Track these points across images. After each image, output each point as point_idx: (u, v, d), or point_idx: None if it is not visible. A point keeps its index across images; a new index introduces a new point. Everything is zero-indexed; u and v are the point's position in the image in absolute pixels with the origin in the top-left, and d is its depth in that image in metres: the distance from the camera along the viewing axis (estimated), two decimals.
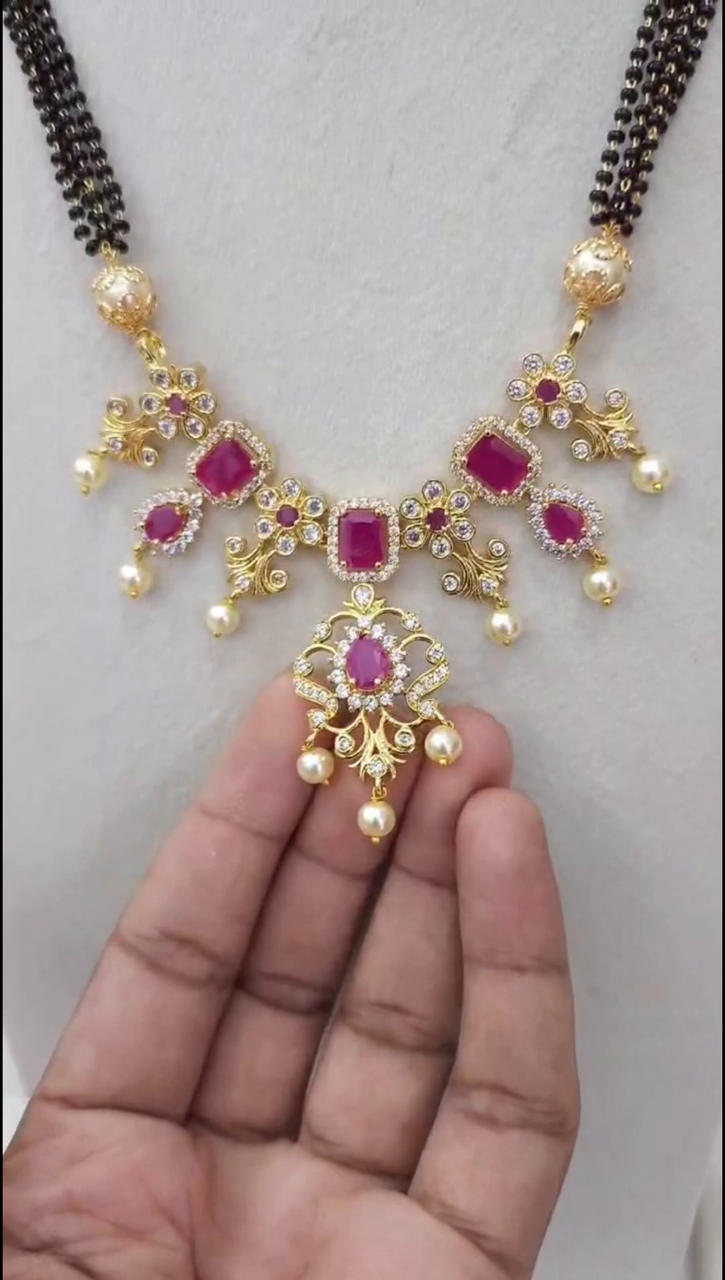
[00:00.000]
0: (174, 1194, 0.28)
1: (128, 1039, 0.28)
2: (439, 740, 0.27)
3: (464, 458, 0.28)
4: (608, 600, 0.29)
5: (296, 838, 0.29)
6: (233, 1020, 0.30)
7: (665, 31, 0.27)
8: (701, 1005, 0.34)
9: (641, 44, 0.27)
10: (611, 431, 0.28)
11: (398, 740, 0.28)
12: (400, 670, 0.28)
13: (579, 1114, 0.28)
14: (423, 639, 0.28)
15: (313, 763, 0.28)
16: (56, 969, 0.36)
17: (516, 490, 0.28)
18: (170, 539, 0.29)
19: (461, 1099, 0.27)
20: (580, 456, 0.28)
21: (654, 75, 0.27)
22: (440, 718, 0.28)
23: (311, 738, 0.28)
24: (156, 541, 0.29)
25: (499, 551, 0.29)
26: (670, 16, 0.27)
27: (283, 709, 0.28)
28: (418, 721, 0.28)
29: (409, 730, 0.28)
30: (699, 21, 0.27)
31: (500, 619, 0.29)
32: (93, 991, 0.29)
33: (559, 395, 0.28)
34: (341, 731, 0.28)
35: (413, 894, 0.29)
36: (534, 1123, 0.27)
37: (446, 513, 0.28)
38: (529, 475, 0.28)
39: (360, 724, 0.28)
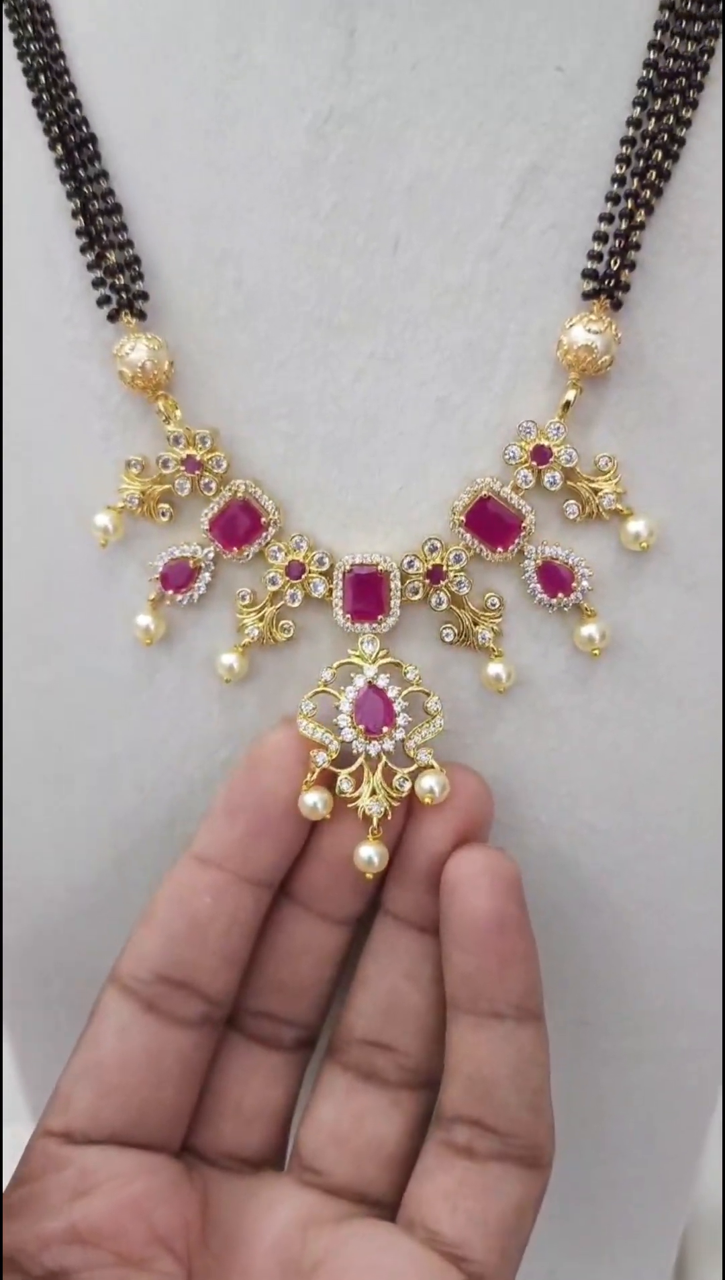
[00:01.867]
0: (172, 1225, 0.28)
1: (127, 1078, 0.28)
2: (428, 782, 0.28)
3: (462, 517, 0.29)
4: (597, 651, 0.30)
5: (286, 884, 0.30)
6: (222, 1056, 0.30)
7: (653, 121, 0.28)
8: (688, 1035, 0.35)
9: (630, 132, 0.28)
10: (601, 493, 0.29)
11: (395, 784, 0.29)
12: (402, 719, 0.29)
13: (554, 1148, 0.28)
14: (422, 692, 0.29)
15: (314, 800, 0.29)
16: (64, 998, 0.36)
17: (511, 548, 0.29)
18: (183, 590, 0.30)
19: (444, 1132, 0.28)
20: (571, 516, 0.29)
21: (642, 162, 0.28)
22: (434, 764, 0.29)
23: (313, 776, 0.29)
24: (170, 592, 0.30)
25: (494, 605, 0.30)
26: (657, 108, 0.28)
27: (278, 760, 0.29)
28: (414, 768, 0.29)
29: (407, 776, 0.29)
30: (684, 112, 0.28)
31: (495, 668, 0.30)
32: (92, 1032, 0.29)
33: (552, 459, 0.29)
34: (343, 773, 0.29)
35: (398, 938, 0.29)
36: (511, 1156, 0.27)
37: (445, 568, 0.29)
38: (523, 534, 0.29)
39: (361, 766, 0.29)
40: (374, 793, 0.29)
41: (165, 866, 0.32)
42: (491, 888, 0.27)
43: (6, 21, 0.31)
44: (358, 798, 0.29)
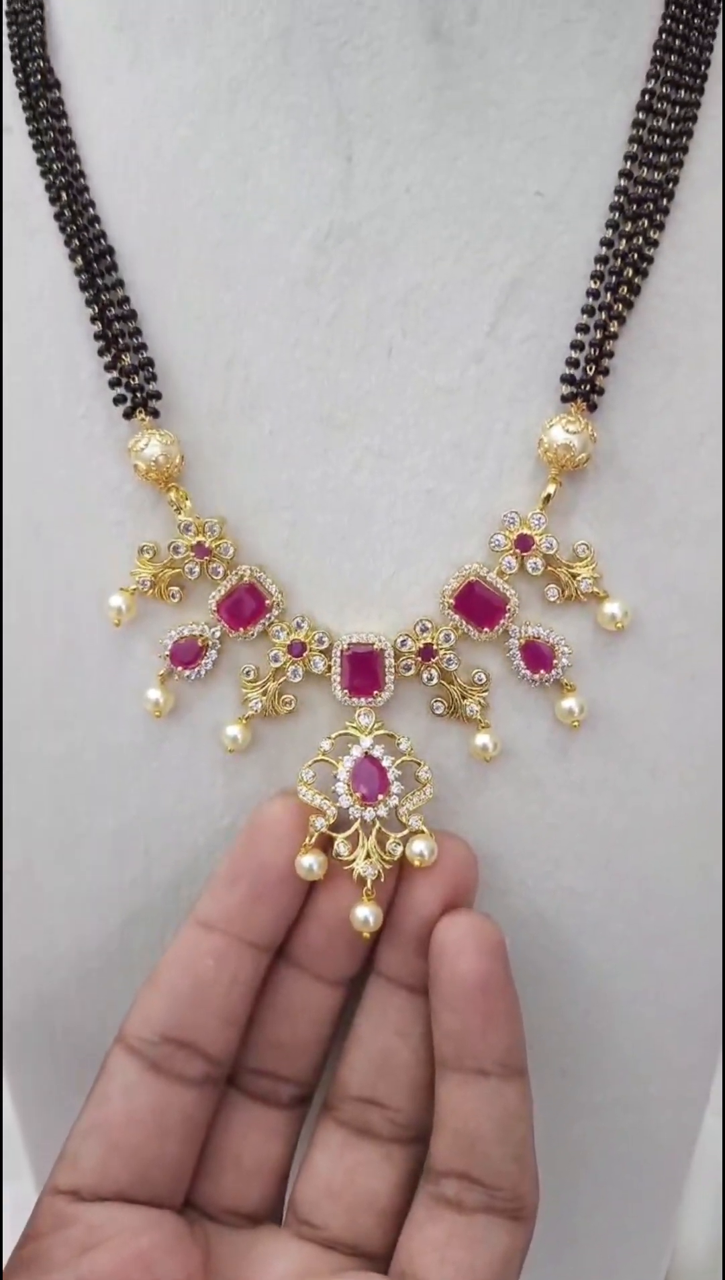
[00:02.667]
0: (176, 1279, 0.28)
1: (133, 1136, 0.29)
2: (418, 846, 0.30)
3: (451, 599, 0.30)
4: (576, 723, 0.31)
5: (284, 947, 0.30)
6: (223, 1113, 0.31)
7: (624, 241, 0.30)
8: (664, 1085, 0.36)
9: (604, 251, 0.30)
10: (579, 578, 0.30)
11: (388, 848, 0.30)
12: (396, 787, 0.31)
13: (538, 1199, 0.29)
14: (414, 762, 0.31)
15: (310, 862, 0.30)
16: (70, 1058, 0.37)
17: (497, 628, 0.31)
18: (192, 666, 0.31)
19: (433, 1185, 0.28)
20: (552, 599, 0.31)
21: (614, 277, 0.30)
22: (424, 830, 0.30)
23: (311, 840, 0.30)
24: (179, 668, 0.31)
25: (481, 680, 0.31)
26: (628, 229, 0.30)
27: (275, 830, 0.30)
28: (405, 833, 0.30)
29: (399, 840, 0.30)
30: (652, 233, 0.31)
31: (482, 738, 0.31)
32: (99, 1091, 0.29)
33: (533, 547, 0.30)
34: (340, 837, 0.30)
35: (390, 998, 0.30)
36: (497, 1208, 0.28)
37: (435, 647, 0.31)
38: (507, 615, 0.31)
39: (356, 831, 0.30)
40: (368, 856, 0.30)
41: (170, 928, 0.33)
42: (477, 951, 0.28)
43: (31, 143, 0.33)
44: (353, 861, 0.30)
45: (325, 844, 0.30)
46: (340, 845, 0.30)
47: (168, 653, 0.31)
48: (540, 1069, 0.32)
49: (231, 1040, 0.30)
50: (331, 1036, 0.31)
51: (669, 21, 0.31)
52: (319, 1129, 0.31)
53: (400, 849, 0.30)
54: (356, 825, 0.30)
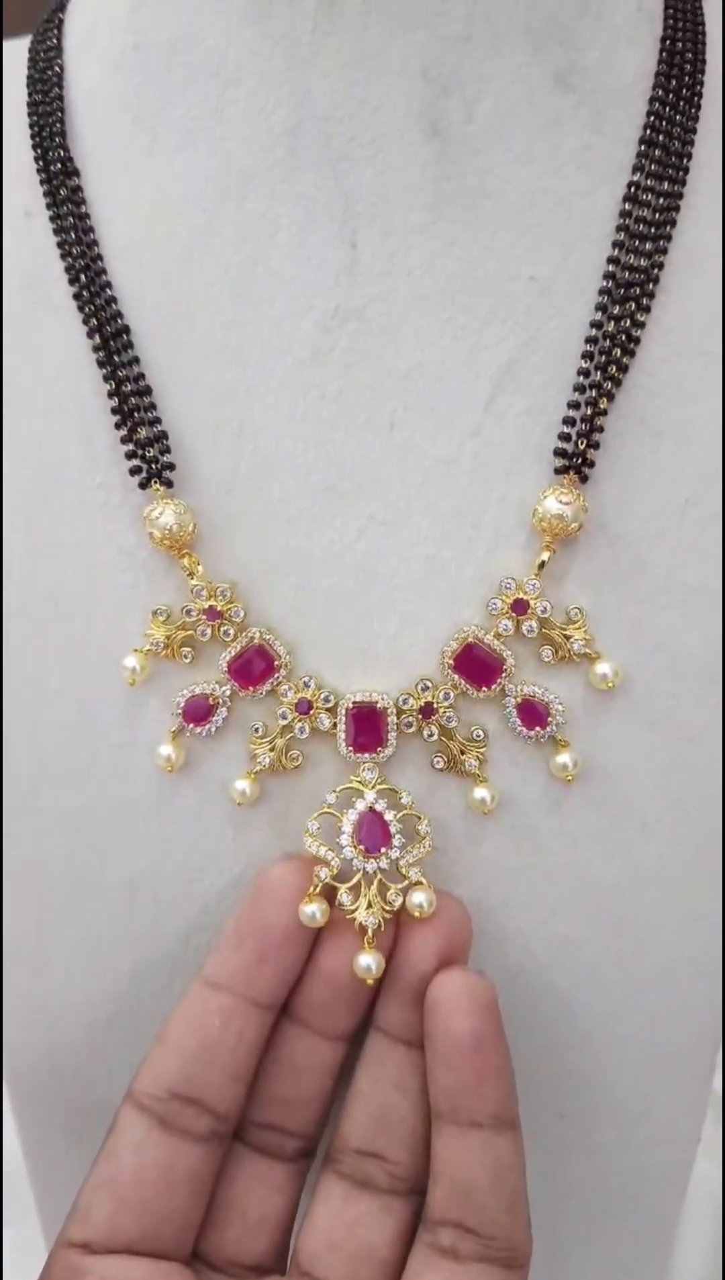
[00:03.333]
0: None
1: (142, 1191, 0.29)
2: (418, 898, 0.30)
3: (451, 660, 0.31)
4: (570, 777, 0.32)
5: (288, 1005, 0.31)
6: (228, 1166, 0.31)
7: (612, 323, 0.32)
8: (656, 1127, 0.37)
9: (593, 333, 0.32)
10: (572, 640, 0.31)
11: (389, 899, 0.31)
12: (397, 840, 0.32)
13: (531, 1247, 0.30)
14: (415, 815, 0.32)
15: (312, 910, 0.31)
16: (80, 1108, 0.37)
17: (494, 687, 0.32)
18: (203, 723, 0.32)
19: (431, 1235, 0.29)
20: (546, 660, 0.32)
21: (604, 357, 0.32)
22: (423, 881, 0.31)
23: (316, 890, 0.31)
24: (191, 725, 0.32)
25: (479, 737, 0.32)
26: (616, 312, 0.32)
27: (279, 891, 0.30)
28: (405, 884, 0.31)
29: (400, 891, 0.31)
30: (639, 316, 0.32)
31: (480, 792, 0.32)
32: (109, 1147, 0.30)
33: (529, 611, 0.31)
34: (343, 888, 0.31)
35: (388, 1053, 0.31)
36: (492, 1257, 0.28)
37: (436, 705, 0.32)
38: (504, 675, 0.32)
39: (358, 882, 0.31)
40: (370, 906, 0.31)
41: (179, 977, 0.34)
42: (470, 1008, 0.29)
43: (51, 227, 0.35)
44: (356, 911, 0.31)
45: (329, 895, 0.31)
46: (343, 895, 0.31)
47: (180, 710, 0.32)
48: (539, 1112, 0.34)
49: (238, 1096, 0.30)
50: (333, 1091, 0.32)
51: (652, 118, 0.33)
52: (321, 1181, 0.31)
53: (400, 900, 0.31)
54: (359, 876, 0.31)
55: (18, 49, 0.40)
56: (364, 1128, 0.31)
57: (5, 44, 0.42)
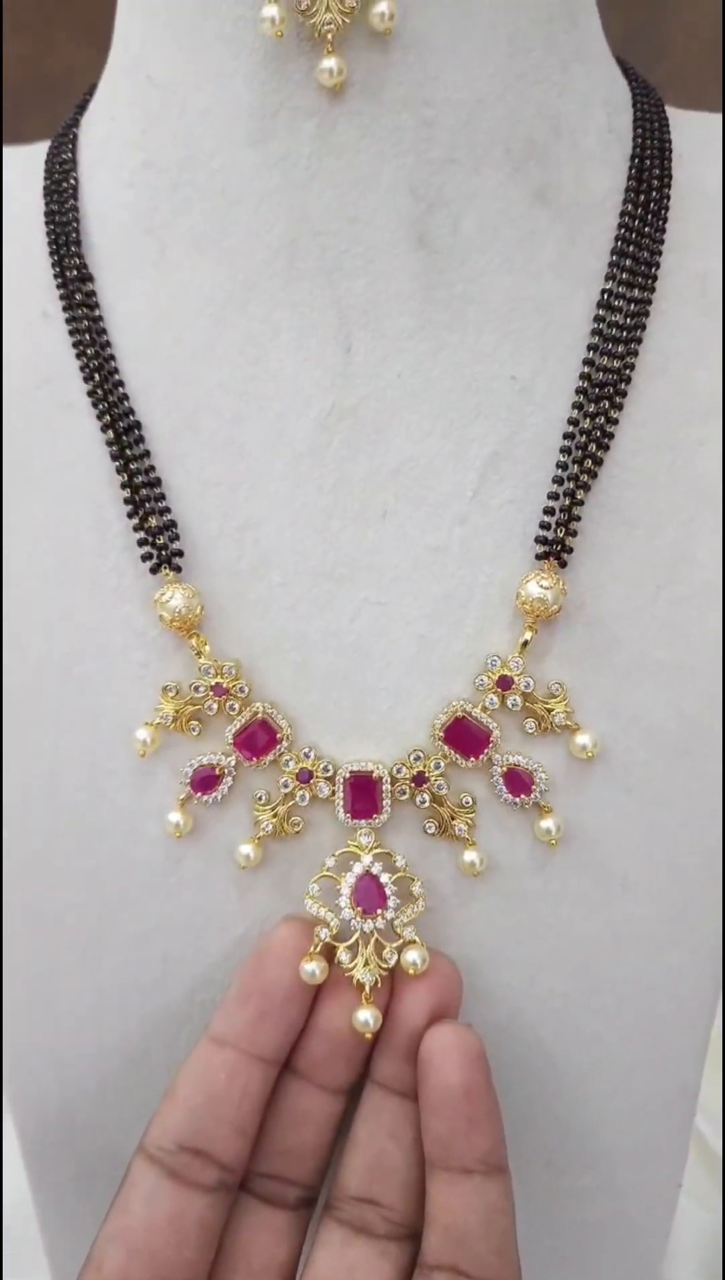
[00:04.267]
0: None
1: (152, 1241, 0.30)
2: (411, 956, 0.32)
3: (441, 732, 0.33)
4: (553, 841, 0.33)
5: (290, 1060, 0.32)
6: (234, 1216, 0.32)
7: (588, 420, 0.34)
8: (639, 1173, 0.38)
9: (571, 428, 0.34)
10: (553, 713, 0.33)
11: (384, 957, 0.33)
12: (392, 901, 0.33)
13: None
14: (408, 878, 0.33)
15: (312, 968, 0.32)
16: (90, 1150, 0.39)
17: (481, 757, 0.33)
18: (209, 792, 0.34)
19: (425, 1278, 0.30)
20: (530, 731, 0.33)
21: (580, 451, 0.34)
22: (417, 940, 0.32)
23: (316, 949, 0.33)
24: (198, 794, 0.34)
25: (468, 803, 0.34)
26: (591, 410, 0.34)
27: (281, 952, 0.32)
28: (400, 943, 0.32)
29: (395, 950, 0.33)
30: (613, 413, 0.34)
31: (469, 855, 0.33)
32: (122, 1199, 0.31)
33: (513, 686, 0.33)
34: (342, 946, 0.33)
35: (384, 1104, 0.32)
36: None
37: (427, 774, 0.33)
38: (491, 746, 0.33)
39: (356, 941, 0.32)
40: (367, 964, 0.33)
41: (186, 1030, 0.36)
42: (461, 1060, 0.30)
43: (67, 328, 0.37)
44: (354, 968, 0.33)
45: (328, 953, 0.33)
46: (342, 954, 0.33)
47: (188, 780, 0.34)
48: (528, 1160, 0.36)
49: (243, 1148, 0.31)
50: (333, 1142, 0.33)
51: (623, 230, 0.36)
52: (321, 1227, 0.32)
53: (395, 958, 0.33)
54: (357, 936, 0.33)
55: (16, 156, 0.43)
56: (361, 1176, 0.32)
57: (5, 150, 0.44)
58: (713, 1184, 0.57)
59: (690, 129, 0.40)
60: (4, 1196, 0.56)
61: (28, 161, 0.42)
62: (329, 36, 0.32)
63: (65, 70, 0.89)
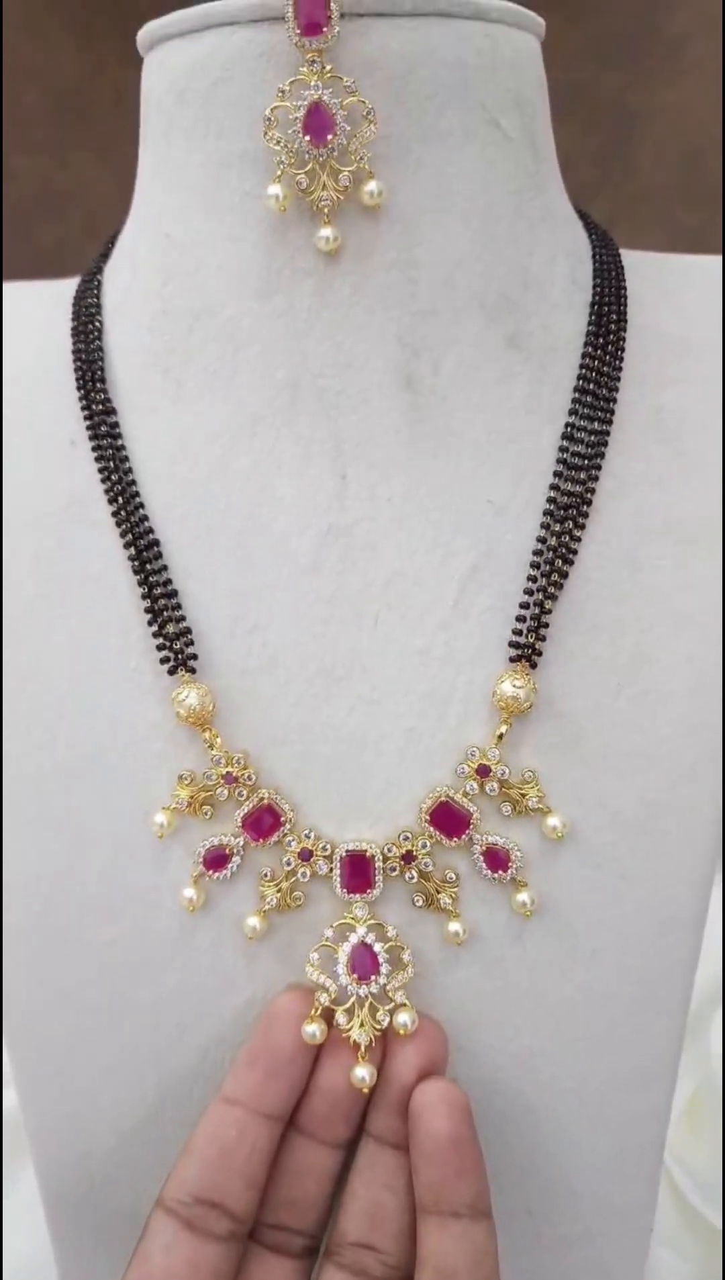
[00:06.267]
0: None
1: None
2: (402, 1018, 0.34)
3: (427, 815, 0.35)
4: (528, 912, 0.35)
5: (293, 1117, 0.34)
6: (244, 1264, 0.33)
7: (554, 538, 0.38)
8: (612, 1220, 0.40)
9: (540, 545, 0.38)
10: (527, 797, 0.36)
11: (378, 1019, 0.35)
12: (384, 968, 0.35)
13: None
14: (399, 947, 0.35)
15: (313, 1029, 0.34)
16: (107, 1203, 0.40)
17: (463, 837, 0.35)
18: (220, 869, 0.36)
19: None
20: (506, 814, 0.36)
21: (548, 565, 0.37)
22: (407, 1004, 0.34)
23: (316, 1012, 0.35)
24: (210, 871, 0.36)
25: (452, 878, 0.36)
26: (558, 529, 0.38)
27: (286, 1018, 0.34)
28: (392, 1006, 0.35)
29: (387, 1012, 0.35)
30: (577, 532, 0.38)
31: (453, 925, 0.35)
32: (143, 1250, 0.32)
33: (491, 774, 0.36)
34: (340, 1010, 0.36)
35: (378, 1157, 0.33)
36: None
37: (415, 853, 0.36)
38: (471, 827, 0.35)
39: (352, 1005, 0.35)
40: (362, 1025, 0.34)
41: (198, 1088, 0.38)
42: (448, 1112, 0.32)
43: (93, 455, 0.42)
44: (351, 1029, 0.35)
45: (328, 1016, 0.36)
46: (340, 1016, 0.36)
47: (201, 859, 0.36)
48: (509, 1209, 0.38)
49: (252, 1200, 0.33)
50: (333, 1193, 0.34)
51: (585, 370, 0.40)
52: (321, 1272, 0.33)
53: (388, 1020, 0.35)
54: (353, 1000, 0.35)
55: (48, 293, 0.47)
56: (359, 1223, 0.33)
57: (38, 286, 0.49)
58: (690, 1235, 0.59)
59: (645, 271, 0.44)
60: (20, 1250, 0.57)
61: (57, 301, 0.46)
62: (326, 210, 0.37)
63: (78, 185, 0.95)
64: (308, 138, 0.35)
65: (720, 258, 0.45)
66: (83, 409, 0.41)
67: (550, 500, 0.37)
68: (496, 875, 0.36)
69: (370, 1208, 0.33)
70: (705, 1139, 0.61)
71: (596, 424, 0.39)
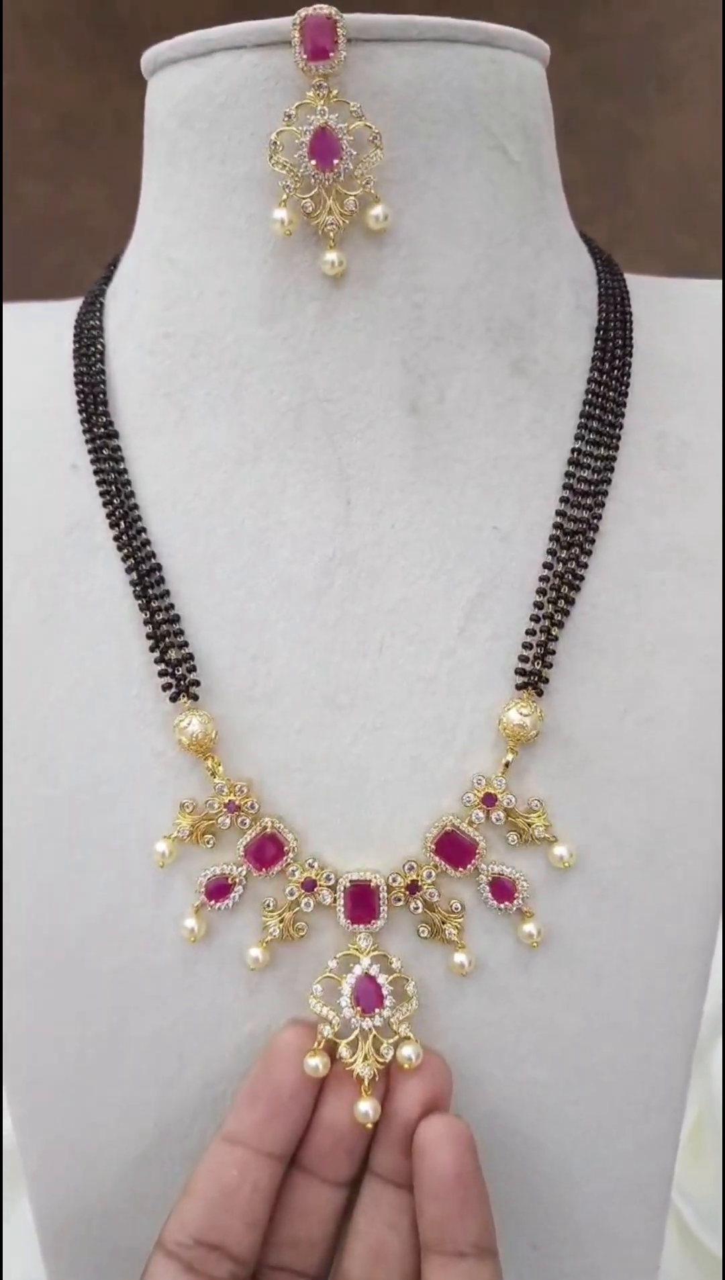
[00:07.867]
0: None
1: None
2: (406, 1051, 0.34)
3: (432, 844, 0.35)
4: (535, 943, 0.35)
5: (296, 1156, 0.34)
6: None
7: (560, 564, 0.38)
8: (617, 1254, 0.39)
9: (545, 572, 0.38)
10: (533, 826, 0.36)
11: (382, 1052, 0.35)
12: (388, 1001, 0.35)
13: None
14: (403, 978, 0.35)
15: (315, 1063, 0.34)
16: (106, 1235, 0.40)
17: (468, 866, 0.35)
18: (222, 899, 0.36)
19: None
20: (512, 843, 0.36)
21: (554, 592, 0.37)
22: (411, 1037, 0.34)
23: (319, 1045, 0.35)
24: (211, 901, 0.36)
25: (457, 908, 0.35)
26: (563, 555, 0.38)
27: (287, 1055, 0.34)
28: (396, 1039, 0.34)
29: (391, 1045, 0.36)
30: (583, 559, 0.38)
31: (459, 956, 0.35)
32: None
33: (497, 803, 0.36)
34: (343, 1043, 0.35)
35: (382, 1195, 0.33)
36: None
37: (420, 882, 0.35)
38: (477, 856, 0.35)
39: (356, 1038, 0.34)
40: (366, 1058, 0.35)
41: (199, 1120, 0.38)
42: (452, 1148, 0.32)
43: (95, 479, 0.41)
44: (354, 1063, 0.35)
45: (331, 1050, 0.35)
46: (343, 1049, 0.35)
47: (202, 888, 0.36)
48: (514, 1244, 0.37)
49: (254, 1242, 0.32)
50: (336, 1233, 0.34)
51: (590, 395, 0.40)
52: None
53: (392, 1053, 0.35)
54: (356, 1033, 0.36)
55: (50, 315, 0.47)
56: (362, 1262, 0.33)
57: (41, 306, 0.49)
58: (692, 1265, 0.59)
59: (648, 295, 0.44)
60: (19, 1277, 0.57)
61: (59, 323, 0.46)
62: (331, 234, 0.37)
63: (81, 210, 0.95)
64: (313, 162, 0.35)
65: (720, 282, 0.45)
66: (85, 433, 0.41)
67: (556, 526, 0.38)
68: (502, 905, 0.36)
69: (374, 1247, 0.33)
70: (707, 1167, 0.61)
71: (602, 449, 0.39)
